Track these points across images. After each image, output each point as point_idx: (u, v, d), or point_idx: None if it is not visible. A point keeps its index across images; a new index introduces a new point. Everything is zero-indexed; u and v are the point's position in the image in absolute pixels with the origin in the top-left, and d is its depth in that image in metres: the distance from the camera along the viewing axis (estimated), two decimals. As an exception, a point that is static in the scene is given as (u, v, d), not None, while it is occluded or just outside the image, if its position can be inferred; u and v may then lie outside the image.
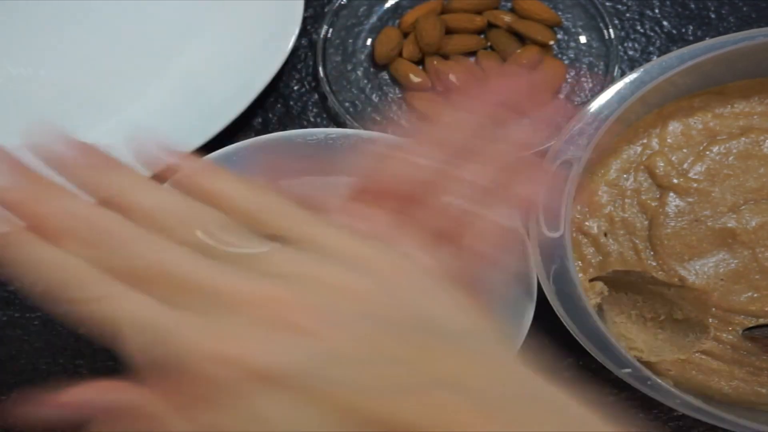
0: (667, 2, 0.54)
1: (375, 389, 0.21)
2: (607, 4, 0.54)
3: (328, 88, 0.50)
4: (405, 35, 0.52)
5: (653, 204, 0.43)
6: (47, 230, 0.24)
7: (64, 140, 0.27)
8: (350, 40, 0.53)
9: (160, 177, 0.27)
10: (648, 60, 0.52)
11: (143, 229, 0.24)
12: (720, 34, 0.51)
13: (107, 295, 0.23)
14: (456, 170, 0.29)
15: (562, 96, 0.51)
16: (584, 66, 0.52)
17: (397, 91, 0.52)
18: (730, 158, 0.44)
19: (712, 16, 0.53)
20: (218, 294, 0.22)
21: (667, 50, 0.52)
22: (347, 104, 0.51)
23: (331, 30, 0.52)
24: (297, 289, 0.22)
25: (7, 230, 0.24)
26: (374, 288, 0.23)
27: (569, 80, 0.51)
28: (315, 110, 0.52)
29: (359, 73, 0.52)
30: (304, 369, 0.21)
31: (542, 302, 0.39)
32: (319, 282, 0.23)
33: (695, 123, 0.45)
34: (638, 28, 0.53)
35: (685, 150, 0.44)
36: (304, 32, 0.54)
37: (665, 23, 0.53)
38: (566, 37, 0.52)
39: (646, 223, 0.43)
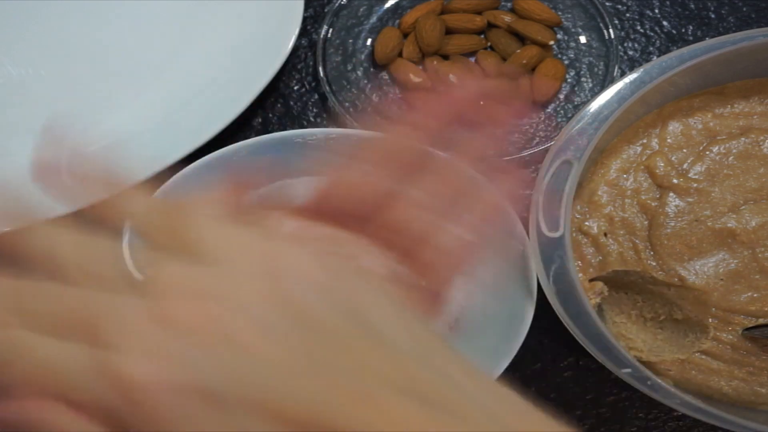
0: (667, 2, 0.54)
1: (317, 399, 0.20)
2: (607, 4, 0.54)
3: (328, 88, 0.50)
4: (405, 35, 0.52)
5: (653, 204, 0.43)
6: None
7: None
8: (350, 40, 0.53)
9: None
10: (648, 60, 0.52)
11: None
12: (720, 34, 0.51)
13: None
14: (411, 188, 0.28)
15: (562, 96, 0.51)
16: (584, 66, 0.52)
17: (397, 91, 0.52)
18: (730, 158, 0.44)
19: (712, 16, 0.53)
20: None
21: (667, 50, 0.52)
22: (347, 104, 0.51)
23: (331, 30, 0.52)
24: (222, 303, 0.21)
25: None
26: (305, 294, 0.21)
27: (569, 80, 0.51)
28: (315, 110, 0.52)
29: (359, 73, 0.52)
30: (239, 382, 0.20)
31: (542, 302, 0.39)
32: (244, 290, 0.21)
33: (695, 123, 0.45)
34: (638, 28, 0.53)
35: (685, 150, 0.45)
36: (304, 32, 0.54)
37: (665, 23, 0.53)
38: (566, 37, 0.52)
39: (645, 223, 0.43)
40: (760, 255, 0.41)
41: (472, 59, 0.52)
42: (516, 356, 0.39)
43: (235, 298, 0.21)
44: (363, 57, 0.53)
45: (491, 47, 0.52)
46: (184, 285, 0.21)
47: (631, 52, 0.52)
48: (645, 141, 0.45)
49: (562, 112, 0.50)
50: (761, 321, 0.41)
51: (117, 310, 0.21)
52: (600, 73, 0.51)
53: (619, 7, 0.54)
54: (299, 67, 0.53)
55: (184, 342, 0.20)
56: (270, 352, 0.20)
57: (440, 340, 0.24)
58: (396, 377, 0.21)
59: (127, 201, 0.25)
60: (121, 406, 0.20)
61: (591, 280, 0.42)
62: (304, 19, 0.52)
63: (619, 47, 0.52)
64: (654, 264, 0.42)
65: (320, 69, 0.51)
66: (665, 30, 0.53)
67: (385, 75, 0.52)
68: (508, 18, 0.52)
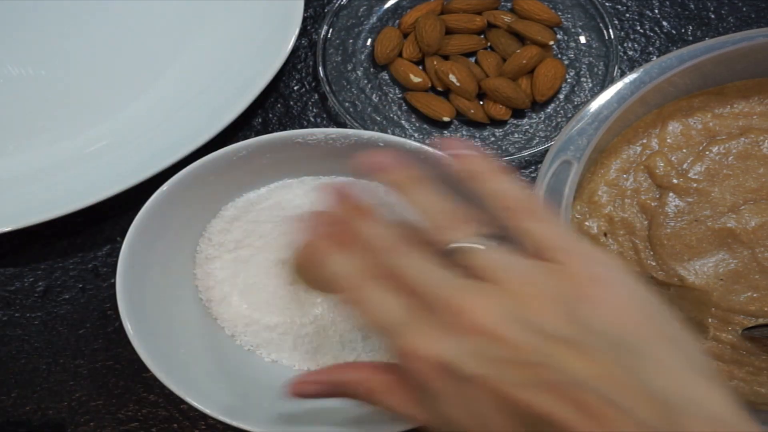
0: (667, 2, 0.54)
1: (525, 384, 0.25)
2: (607, 4, 0.54)
3: (328, 88, 0.50)
4: (405, 35, 0.52)
5: (653, 204, 0.43)
6: (341, 240, 0.31)
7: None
8: (350, 40, 0.53)
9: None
10: (648, 60, 0.52)
11: (397, 245, 0.30)
12: (720, 34, 0.51)
13: (365, 298, 0.29)
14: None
15: (562, 96, 0.51)
16: (584, 66, 0.52)
17: (397, 91, 0.52)
18: (730, 158, 0.44)
19: (712, 16, 0.53)
20: (435, 299, 0.27)
21: (667, 50, 0.52)
22: (347, 104, 0.51)
23: (331, 30, 0.52)
24: (493, 298, 0.27)
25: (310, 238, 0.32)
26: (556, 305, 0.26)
27: (569, 80, 0.51)
28: (315, 110, 0.52)
29: (359, 73, 0.52)
30: (479, 366, 0.25)
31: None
32: (512, 290, 0.27)
33: (695, 123, 0.45)
34: (638, 28, 0.53)
35: (684, 150, 0.45)
36: (304, 32, 0.54)
37: (665, 23, 0.53)
38: (566, 37, 0.53)
39: (645, 223, 0.43)
40: (759, 255, 0.41)
41: (472, 59, 0.52)
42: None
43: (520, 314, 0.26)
44: (363, 57, 0.53)
45: (491, 47, 0.52)
46: (481, 293, 0.27)
47: (631, 52, 0.53)
48: (645, 141, 0.45)
49: (562, 112, 0.50)
50: (761, 321, 0.41)
51: (441, 297, 0.27)
52: (600, 73, 0.51)
53: (619, 7, 0.54)
54: (299, 67, 0.53)
55: (466, 336, 0.26)
56: (508, 343, 0.25)
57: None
58: (600, 379, 0.24)
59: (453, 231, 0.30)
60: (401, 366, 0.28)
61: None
62: (304, 19, 0.52)
63: (619, 47, 0.52)
64: (654, 264, 0.42)
65: (320, 69, 0.51)
66: (665, 30, 0.53)
67: (385, 75, 0.52)
68: (508, 18, 0.52)
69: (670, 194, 0.43)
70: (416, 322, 0.27)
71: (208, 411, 0.37)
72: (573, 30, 0.53)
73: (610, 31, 0.51)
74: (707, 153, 0.44)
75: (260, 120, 0.52)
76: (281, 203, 0.44)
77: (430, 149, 0.41)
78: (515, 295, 0.26)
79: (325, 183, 0.33)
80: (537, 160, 0.49)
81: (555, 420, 0.24)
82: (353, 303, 0.30)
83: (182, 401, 0.38)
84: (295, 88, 0.53)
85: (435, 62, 0.51)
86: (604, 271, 0.27)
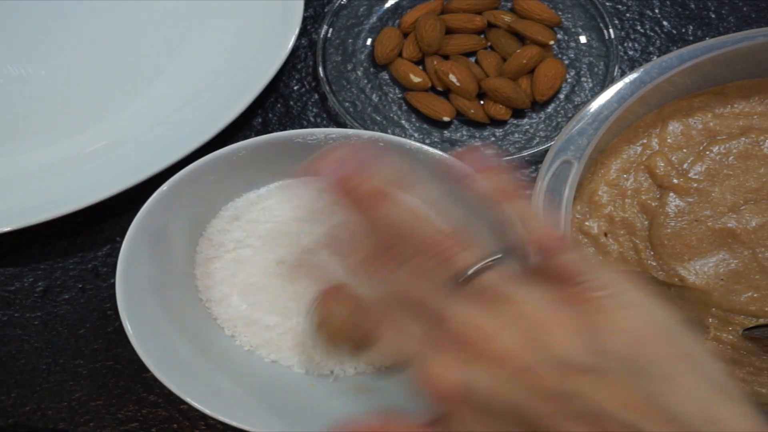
0: (667, 2, 0.54)
1: (552, 415, 0.25)
2: (607, 4, 0.54)
3: (328, 88, 0.50)
4: (405, 35, 0.52)
5: (653, 204, 0.43)
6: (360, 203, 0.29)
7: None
8: (350, 40, 0.53)
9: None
10: (648, 60, 0.52)
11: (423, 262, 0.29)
12: (720, 34, 0.51)
13: (388, 327, 0.29)
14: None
15: (562, 96, 0.51)
16: (584, 66, 0.52)
17: (397, 91, 0.52)
18: (730, 158, 0.44)
19: (712, 16, 0.53)
20: (458, 326, 0.27)
21: (667, 50, 0.52)
22: (347, 104, 0.51)
23: (331, 30, 0.52)
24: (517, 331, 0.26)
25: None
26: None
27: (569, 80, 0.51)
28: (315, 110, 0.52)
29: (359, 73, 0.52)
30: (495, 393, 0.25)
31: (542, 302, 0.39)
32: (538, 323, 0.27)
33: (695, 123, 0.45)
34: (638, 28, 0.53)
35: (685, 150, 0.45)
36: (304, 32, 0.54)
37: (665, 23, 0.53)
38: (566, 37, 0.52)
39: (646, 223, 0.43)
40: (760, 255, 0.41)
41: (473, 59, 0.52)
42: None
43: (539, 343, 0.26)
44: (363, 57, 0.53)
45: (491, 47, 0.52)
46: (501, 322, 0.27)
47: (631, 52, 0.52)
48: (645, 141, 0.45)
49: (562, 112, 0.50)
50: (761, 321, 0.41)
51: (457, 320, 0.27)
52: (600, 73, 0.51)
53: (619, 7, 0.54)
54: (299, 67, 0.53)
55: (490, 365, 0.26)
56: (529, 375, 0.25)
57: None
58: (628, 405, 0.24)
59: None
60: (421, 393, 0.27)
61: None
62: (304, 19, 0.52)
63: (619, 47, 0.52)
64: (654, 264, 0.42)
65: (320, 69, 0.51)
66: (665, 30, 0.53)
67: (385, 75, 0.52)
68: (508, 18, 0.52)
69: (671, 194, 0.43)
70: (439, 350, 0.27)
71: (208, 411, 0.37)
72: (573, 30, 0.53)
73: (611, 30, 0.51)
74: (707, 153, 0.44)
75: (260, 120, 0.52)
76: (281, 203, 0.44)
77: (430, 149, 0.41)
78: (537, 323, 0.26)
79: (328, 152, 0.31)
80: (537, 160, 0.49)
81: None
82: (378, 333, 0.30)
83: (182, 401, 0.38)
84: (295, 88, 0.53)
85: (435, 62, 0.51)
86: (625, 296, 0.27)
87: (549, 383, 0.25)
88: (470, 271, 0.28)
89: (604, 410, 0.24)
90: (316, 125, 0.52)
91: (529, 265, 0.29)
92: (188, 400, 0.37)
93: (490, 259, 0.28)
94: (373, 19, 0.54)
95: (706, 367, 0.26)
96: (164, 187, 0.41)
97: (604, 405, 0.24)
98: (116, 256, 0.39)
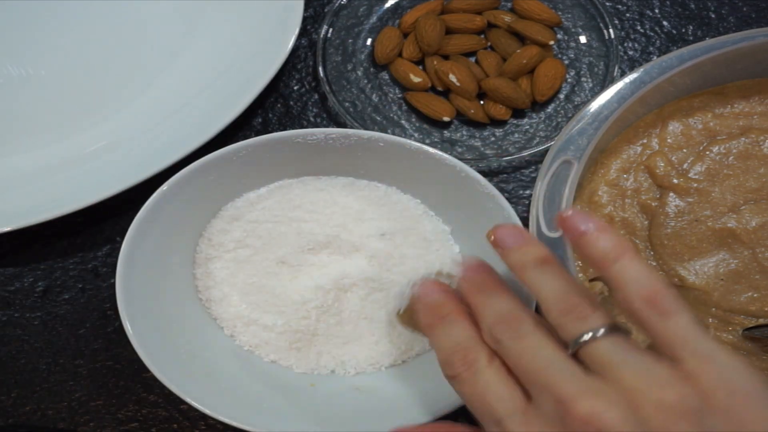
0: (667, 2, 0.54)
1: None
2: (607, 4, 0.54)
3: (328, 88, 0.50)
4: (405, 35, 0.52)
5: (653, 204, 0.43)
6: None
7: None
8: (350, 40, 0.53)
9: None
10: (648, 60, 0.52)
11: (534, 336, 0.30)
12: (720, 34, 0.51)
13: (478, 381, 0.30)
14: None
15: (562, 96, 0.51)
16: (584, 66, 0.52)
17: (397, 91, 0.52)
18: (730, 158, 0.44)
19: (712, 16, 0.53)
20: (553, 392, 0.27)
21: (667, 50, 0.52)
22: (347, 104, 0.51)
23: (331, 30, 0.52)
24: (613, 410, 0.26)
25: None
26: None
27: (569, 80, 0.51)
28: (315, 110, 0.52)
29: (359, 73, 0.52)
30: None
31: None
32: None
33: (695, 123, 0.45)
34: (638, 28, 0.53)
35: (685, 150, 0.45)
36: (304, 32, 0.54)
37: (665, 23, 0.53)
38: (566, 37, 0.52)
39: (646, 223, 0.43)
40: (760, 255, 0.41)
41: (473, 59, 0.52)
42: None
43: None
44: (363, 57, 0.53)
45: (491, 47, 0.52)
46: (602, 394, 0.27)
47: (631, 52, 0.52)
48: (645, 141, 0.45)
49: (562, 112, 0.50)
50: (761, 321, 0.41)
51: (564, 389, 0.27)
52: (600, 73, 0.51)
53: (619, 7, 0.54)
54: (299, 67, 0.53)
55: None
56: None
57: None
58: None
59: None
60: None
61: (591, 280, 0.42)
62: (304, 19, 0.52)
63: (619, 47, 0.52)
64: (654, 264, 0.42)
65: (320, 69, 0.51)
66: (665, 30, 0.53)
67: (385, 75, 0.52)
68: (508, 18, 0.52)
69: (671, 194, 0.43)
70: (526, 415, 0.27)
71: (208, 411, 0.37)
72: (573, 30, 0.53)
73: (611, 30, 0.51)
74: (707, 153, 0.44)
75: (260, 120, 0.52)
76: (281, 203, 0.44)
77: (430, 150, 0.41)
78: (643, 402, 0.26)
79: (468, 261, 0.34)
80: (537, 160, 0.49)
81: None
82: (463, 382, 0.30)
83: (182, 401, 0.38)
84: (295, 88, 0.53)
85: (435, 62, 0.51)
86: (739, 381, 0.26)
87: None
88: (584, 339, 0.28)
89: None
90: (316, 125, 0.52)
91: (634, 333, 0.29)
92: (188, 400, 0.37)
93: (605, 329, 0.28)
94: (373, 19, 0.54)
95: None
96: (164, 187, 0.41)
97: None
98: (116, 256, 0.39)
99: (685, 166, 0.44)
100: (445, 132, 0.50)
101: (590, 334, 0.28)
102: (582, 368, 0.28)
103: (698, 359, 0.26)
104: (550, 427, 0.27)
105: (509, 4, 0.53)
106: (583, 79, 0.51)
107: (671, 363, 0.27)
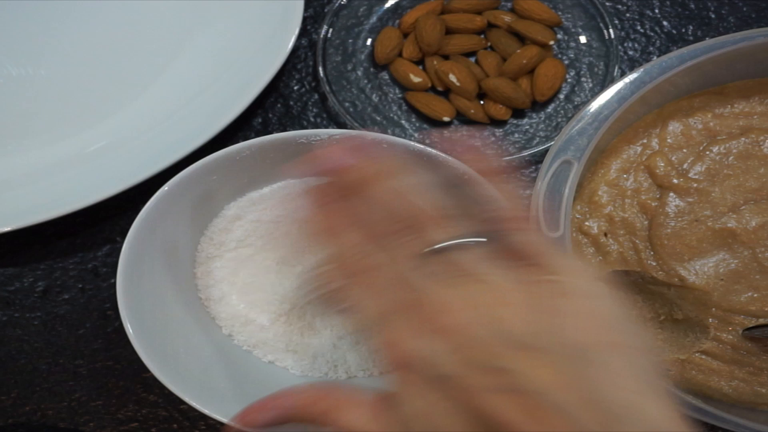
0: (667, 2, 0.54)
1: (489, 388, 0.25)
2: (607, 4, 0.54)
3: (328, 88, 0.50)
4: (405, 35, 0.52)
5: (653, 204, 0.43)
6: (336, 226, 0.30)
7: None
8: (350, 40, 0.53)
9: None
10: (648, 60, 0.52)
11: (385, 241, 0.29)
12: (720, 34, 0.51)
13: (352, 294, 0.29)
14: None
15: (562, 96, 0.51)
16: (584, 66, 0.52)
17: (397, 91, 0.52)
18: (730, 158, 0.44)
19: (712, 16, 0.53)
20: (416, 296, 0.27)
21: (667, 50, 0.52)
22: (347, 104, 0.51)
23: (331, 30, 0.52)
24: (462, 299, 0.27)
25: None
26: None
27: (569, 80, 0.51)
28: (315, 110, 0.52)
29: (359, 73, 0.52)
30: (435, 361, 0.26)
31: (542, 302, 0.39)
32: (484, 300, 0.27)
33: (695, 123, 0.45)
34: (638, 28, 0.53)
35: (685, 150, 0.45)
36: (304, 32, 0.54)
37: (665, 23, 0.53)
38: (566, 37, 0.52)
39: (646, 223, 0.43)
40: (760, 255, 0.41)
41: (473, 59, 0.52)
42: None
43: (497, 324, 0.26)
44: (363, 57, 0.53)
45: (491, 47, 0.52)
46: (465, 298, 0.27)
47: (631, 52, 0.52)
48: (645, 141, 0.45)
49: (562, 112, 0.50)
50: (761, 321, 0.41)
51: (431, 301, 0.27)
52: (600, 73, 0.51)
53: (619, 7, 0.54)
54: (299, 67, 0.53)
55: (440, 335, 0.26)
56: (471, 346, 0.26)
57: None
58: (553, 387, 0.25)
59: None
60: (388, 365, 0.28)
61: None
62: (304, 19, 0.52)
63: (619, 47, 0.52)
64: (654, 264, 0.42)
65: (320, 69, 0.51)
66: (665, 30, 0.53)
67: (385, 75, 0.52)
68: (508, 18, 0.52)
69: (671, 194, 0.43)
70: (402, 318, 0.28)
71: (207, 411, 0.37)
72: (573, 30, 0.53)
73: (611, 30, 0.51)
74: (707, 153, 0.44)
75: (260, 120, 0.52)
76: (284, 203, 0.44)
77: (430, 150, 0.41)
78: (492, 299, 0.27)
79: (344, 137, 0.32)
80: (537, 160, 0.49)
81: (505, 423, 0.24)
82: (342, 295, 0.30)
83: (182, 401, 0.38)
84: (295, 88, 0.53)
85: (435, 62, 0.51)
86: (576, 283, 0.27)
87: (487, 356, 0.25)
88: (438, 246, 0.29)
89: (533, 388, 0.24)
90: (316, 125, 0.52)
91: (498, 244, 0.29)
92: (188, 400, 0.37)
93: (465, 240, 0.29)
94: (373, 19, 0.54)
95: (641, 360, 0.26)
96: (165, 187, 0.41)
97: (534, 383, 0.24)
98: (116, 256, 0.40)
99: (685, 166, 0.44)
100: (445, 132, 0.50)
101: (449, 242, 0.29)
102: (444, 268, 0.28)
103: (545, 271, 0.28)
104: (418, 328, 0.27)
105: (509, 4, 0.53)
106: (583, 79, 0.51)
107: (521, 268, 0.28)
